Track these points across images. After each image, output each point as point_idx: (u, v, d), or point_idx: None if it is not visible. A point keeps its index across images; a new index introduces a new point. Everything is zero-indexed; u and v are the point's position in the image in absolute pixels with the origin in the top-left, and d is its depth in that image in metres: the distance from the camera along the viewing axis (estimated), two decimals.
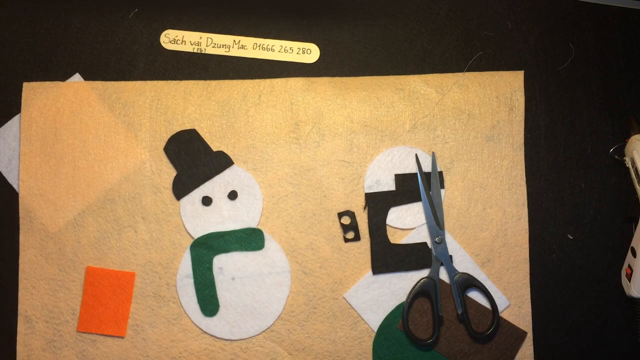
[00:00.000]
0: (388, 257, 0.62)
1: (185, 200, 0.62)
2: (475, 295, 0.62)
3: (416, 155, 0.63)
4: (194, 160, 0.63)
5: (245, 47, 0.65)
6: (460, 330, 0.61)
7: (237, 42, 0.65)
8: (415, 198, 0.63)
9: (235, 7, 0.66)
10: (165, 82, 0.64)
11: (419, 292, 0.61)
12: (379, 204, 0.62)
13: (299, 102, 0.64)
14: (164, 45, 0.65)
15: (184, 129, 0.63)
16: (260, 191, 0.62)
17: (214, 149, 0.63)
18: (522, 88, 0.65)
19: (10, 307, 0.61)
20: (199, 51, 0.65)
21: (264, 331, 0.61)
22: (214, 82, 0.64)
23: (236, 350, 0.61)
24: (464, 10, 0.66)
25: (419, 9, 0.66)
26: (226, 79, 0.64)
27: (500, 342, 0.61)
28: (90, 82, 0.64)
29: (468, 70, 0.65)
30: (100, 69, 0.64)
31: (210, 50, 0.65)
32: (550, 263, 0.63)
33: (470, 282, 0.61)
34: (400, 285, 0.62)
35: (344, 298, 0.61)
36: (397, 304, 0.62)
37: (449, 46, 0.66)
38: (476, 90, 0.64)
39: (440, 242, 0.62)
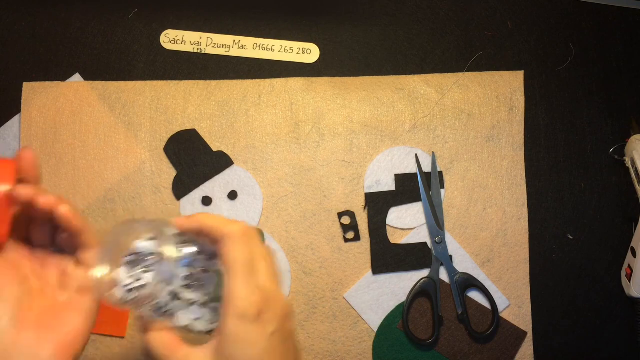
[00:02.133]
0: (388, 257, 0.62)
1: (185, 200, 0.62)
2: (475, 295, 0.62)
3: (416, 155, 0.63)
4: (194, 160, 0.63)
5: (245, 47, 0.65)
6: (460, 330, 0.61)
7: (237, 42, 0.65)
8: (415, 198, 0.63)
9: (235, 7, 0.66)
10: (165, 82, 0.64)
11: (419, 292, 0.61)
12: (379, 204, 0.62)
13: (299, 102, 0.64)
14: (164, 45, 0.65)
15: (184, 129, 0.63)
16: (260, 191, 0.62)
17: (214, 149, 0.63)
18: (522, 88, 0.65)
19: None
20: (199, 51, 0.65)
21: None
22: (214, 82, 0.64)
23: None
24: (464, 10, 0.66)
25: (419, 9, 0.66)
26: (226, 79, 0.64)
27: (500, 342, 0.61)
28: (90, 82, 0.64)
29: (468, 70, 0.65)
30: (100, 69, 0.64)
31: (210, 50, 0.65)
32: (550, 263, 0.63)
33: (470, 282, 0.61)
34: (400, 285, 0.62)
35: (344, 298, 0.61)
36: (397, 304, 0.62)
37: (449, 46, 0.66)
38: (476, 90, 0.64)
39: (440, 242, 0.62)
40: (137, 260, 0.41)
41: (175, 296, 0.41)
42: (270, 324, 0.39)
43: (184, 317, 0.41)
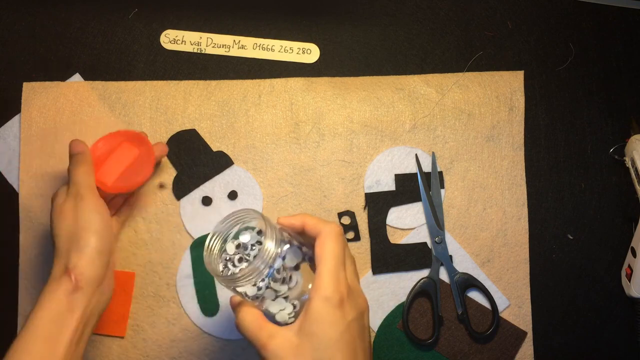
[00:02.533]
0: (388, 257, 0.62)
1: (185, 200, 0.62)
2: (475, 295, 0.62)
3: (416, 155, 0.63)
4: (194, 160, 0.63)
5: (245, 47, 0.65)
6: (460, 330, 0.61)
7: (237, 42, 0.65)
8: (415, 198, 0.63)
9: (235, 7, 0.66)
10: (165, 82, 0.64)
11: (419, 292, 0.61)
12: (379, 204, 0.62)
13: (299, 102, 0.64)
14: (164, 45, 0.65)
15: (184, 129, 0.63)
16: (260, 191, 0.62)
17: (214, 149, 0.63)
18: (522, 88, 0.65)
19: (10, 307, 0.61)
20: (199, 51, 0.65)
21: None
22: (214, 82, 0.64)
23: (236, 350, 0.60)
24: (464, 10, 0.66)
25: (419, 9, 0.66)
26: (226, 79, 0.64)
27: (500, 342, 0.61)
28: (90, 82, 0.64)
29: (468, 70, 0.65)
30: (100, 69, 0.64)
31: (210, 50, 0.65)
32: (550, 263, 0.63)
33: (470, 282, 0.61)
34: (400, 285, 0.62)
35: None
36: (397, 304, 0.62)
37: (449, 46, 0.66)
38: (476, 90, 0.64)
39: (440, 242, 0.62)
40: (243, 245, 0.48)
41: (267, 286, 0.46)
42: (350, 313, 0.44)
43: (273, 306, 0.47)
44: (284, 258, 0.46)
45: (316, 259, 0.45)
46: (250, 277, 0.45)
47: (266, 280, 0.46)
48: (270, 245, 0.45)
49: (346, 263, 0.46)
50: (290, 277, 0.47)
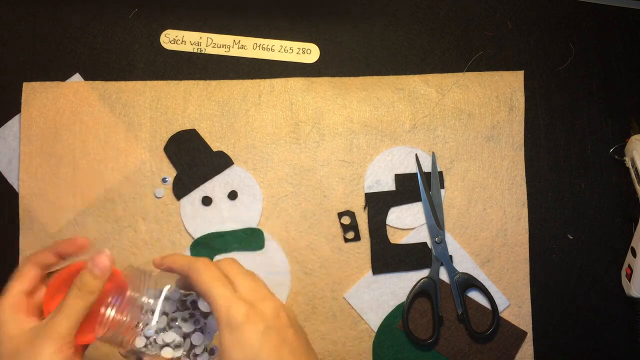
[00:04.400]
0: (388, 257, 0.62)
1: (185, 200, 0.62)
2: (475, 295, 0.62)
3: (416, 155, 0.63)
4: (194, 160, 0.63)
5: (245, 47, 0.65)
6: (460, 330, 0.61)
7: (237, 42, 0.65)
8: (415, 198, 0.63)
9: (235, 7, 0.66)
10: (165, 82, 0.64)
11: (419, 292, 0.61)
12: (379, 204, 0.62)
13: (299, 102, 0.64)
14: (164, 45, 0.65)
15: (184, 129, 0.63)
16: (260, 191, 0.62)
17: (214, 149, 0.63)
18: (522, 88, 0.65)
19: None
20: (199, 51, 0.65)
21: None
22: (214, 82, 0.64)
23: None
24: (464, 10, 0.66)
25: (419, 9, 0.66)
26: (226, 79, 0.64)
27: (500, 342, 0.61)
28: (90, 82, 0.64)
29: (468, 70, 0.65)
30: (100, 69, 0.64)
31: (210, 50, 0.65)
32: (550, 263, 0.63)
33: (470, 282, 0.61)
34: (400, 285, 0.62)
35: (344, 298, 0.61)
36: (397, 304, 0.62)
37: (449, 46, 0.66)
38: (476, 90, 0.64)
39: (440, 242, 0.62)
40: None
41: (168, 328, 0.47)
42: (260, 323, 0.42)
43: (197, 339, 0.47)
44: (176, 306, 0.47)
45: (202, 296, 0.44)
46: (135, 329, 0.46)
47: (153, 329, 0.46)
48: (138, 297, 0.47)
49: (235, 281, 0.45)
50: (197, 316, 0.47)
